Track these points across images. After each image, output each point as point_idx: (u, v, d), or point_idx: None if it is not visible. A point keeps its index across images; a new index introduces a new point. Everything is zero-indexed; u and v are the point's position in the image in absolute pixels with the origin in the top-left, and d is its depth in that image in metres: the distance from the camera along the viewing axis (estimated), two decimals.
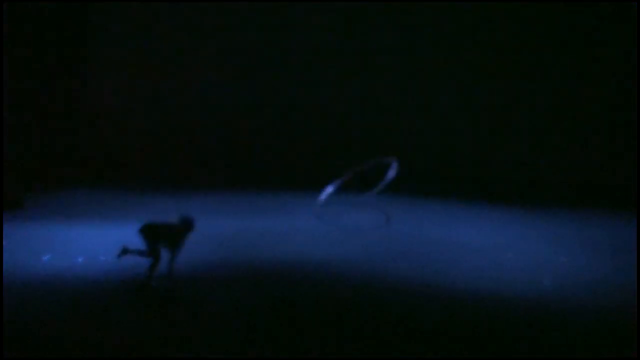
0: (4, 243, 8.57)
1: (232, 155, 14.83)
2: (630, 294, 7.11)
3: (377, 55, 14.79)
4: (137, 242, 8.96)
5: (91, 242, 8.95)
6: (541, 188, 13.45)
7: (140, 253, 7.46)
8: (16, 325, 5.99)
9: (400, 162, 11.93)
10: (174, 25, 14.86)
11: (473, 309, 6.65)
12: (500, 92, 14.40)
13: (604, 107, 13.79)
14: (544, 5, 13.91)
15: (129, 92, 14.89)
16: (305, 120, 14.89)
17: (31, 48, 13.70)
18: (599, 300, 6.99)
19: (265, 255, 8.44)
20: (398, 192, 12.15)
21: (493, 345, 5.78)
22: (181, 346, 5.65)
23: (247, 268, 7.88)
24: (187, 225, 7.68)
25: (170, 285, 7.30)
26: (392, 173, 11.18)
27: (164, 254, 7.40)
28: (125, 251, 7.54)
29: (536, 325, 6.25)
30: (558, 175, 13.79)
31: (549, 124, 14.18)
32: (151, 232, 7.51)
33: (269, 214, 11.10)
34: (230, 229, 9.93)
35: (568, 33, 13.94)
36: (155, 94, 14.92)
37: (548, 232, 10.08)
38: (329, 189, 11.21)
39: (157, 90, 14.91)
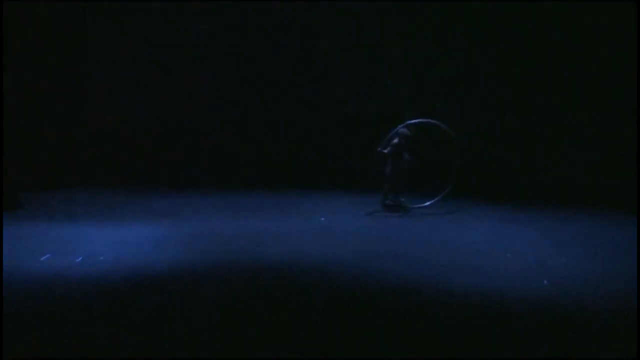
0: (2, 243, 8.57)
1: (231, 157, 14.83)
2: (630, 295, 7.10)
3: (382, 52, 14.79)
4: (135, 242, 9.00)
5: (90, 242, 8.95)
6: (541, 188, 13.45)
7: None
8: (15, 325, 5.98)
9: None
10: (168, 31, 14.86)
11: (472, 309, 6.64)
12: (500, 92, 14.40)
13: (603, 107, 13.79)
14: (550, 7, 13.90)
15: (128, 93, 14.89)
16: (306, 121, 14.89)
17: (31, 50, 13.74)
18: (598, 300, 6.98)
19: (265, 256, 8.44)
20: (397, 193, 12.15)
21: (492, 346, 5.78)
22: (181, 346, 5.64)
23: (246, 268, 7.88)
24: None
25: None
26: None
27: None
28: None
29: (535, 325, 6.24)
30: (557, 176, 13.79)
31: (548, 124, 14.17)
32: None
33: (268, 215, 11.11)
34: (229, 230, 9.93)
35: (567, 33, 13.93)
36: (153, 95, 14.92)
37: (547, 233, 10.08)
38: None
39: (156, 91, 14.91)
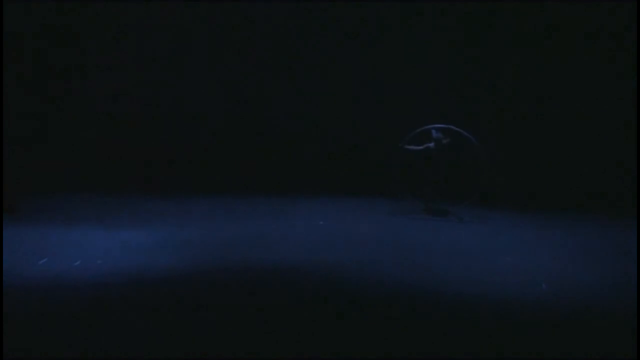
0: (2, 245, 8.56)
1: (229, 159, 14.78)
2: (629, 299, 7.09)
3: (369, 56, 14.73)
4: (134, 245, 8.99)
5: (88, 245, 8.94)
6: (539, 191, 13.43)
7: None
8: (13, 328, 5.97)
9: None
10: (166, 30, 14.83)
11: (470, 312, 6.64)
12: (493, 94, 14.35)
13: (602, 109, 13.76)
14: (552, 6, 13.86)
15: (125, 94, 14.85)
16: (305, 123, 14.85)
17: (29, 51, 13.74)
18: (597, 304, 6.98)
19: (262, 260, 8.43)
20: (395, 195, 12.13)
21: (489, 348, 5.77)
22: (179, 350, 5.64)
23: (244, 272, 7.87)
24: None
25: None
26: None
27: None
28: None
29: (533, 328, 6.24)
30: (557, 178, 13.76)
31: (546, 126, 14.14)
32: None
33: (266, 218, 11.10)
34: (227, 233, 9.92)
35: (565, 33, 13.90)
36: (151, 96, 14.89)
37: (546, 236, 10.08)
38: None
39: (153, 93, 14.87)
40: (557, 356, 5.68)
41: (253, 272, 7.83)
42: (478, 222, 11.05)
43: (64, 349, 5.63)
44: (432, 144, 11.37)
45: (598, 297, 7.16)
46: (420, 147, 11.46)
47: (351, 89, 14.69)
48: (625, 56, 13.37)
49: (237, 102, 14.97)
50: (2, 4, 12.29)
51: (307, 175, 14.18)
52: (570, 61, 13.87)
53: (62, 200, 12.31)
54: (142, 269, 7.91)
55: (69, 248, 8.81)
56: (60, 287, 7.21)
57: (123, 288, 7.21)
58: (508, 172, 13.74)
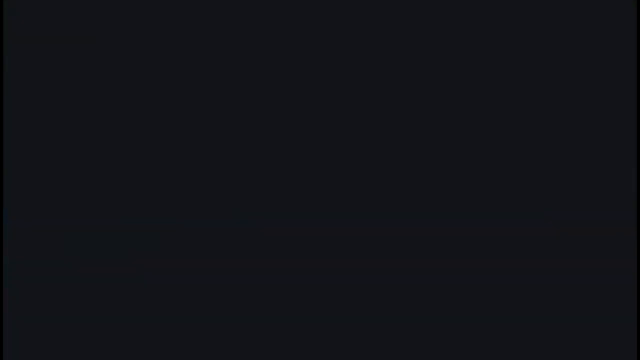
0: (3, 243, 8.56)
1: (227, 157, 14.81)
2: (629, 300, 7.08)
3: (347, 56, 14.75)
4: (135, 243, 8.95)
5: (87, 244, 8.93)
6: (539, 189, 13.45)
7: None
8: (13, 328, 5.98)
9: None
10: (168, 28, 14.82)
11: (468, 310, 6.63)
12: (493, 90, 14.38)
13: (601, 106, 13.78)
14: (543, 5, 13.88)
15: (123, 93, 14.88)
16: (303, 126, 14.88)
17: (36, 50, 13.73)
18: (596, 305, 6.96)
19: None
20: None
21: (487, 348, 5.77)
22: (179, 349, 5.64)
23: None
24: None
25: None
26: None
27: None
28: None
29: (532, 329, 6.23)
30: (557, 176, 13.79)
31: (545, 125, 14.17)
32: None
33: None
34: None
35: (564, 32, 13.93)
36: (150, 93, 14.91)
37: (545, 234, 10.06)
38: None
39: (150, 89, 14.89)
40: (557, 356, 5.68)
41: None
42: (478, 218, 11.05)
43: (63, 349, 5.64)
44: None
45: (597, 299, 7.14)
46: None
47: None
48: (624, 53, 13.39)
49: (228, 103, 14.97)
50: (2, 4, 12.32)
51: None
52: (570, 56, 13.89)
53: (60, 200, 12.32)
54: (142, 269, 7.91)
55: (68, 247, 8.80)
56: (59, 287, 7.21)
57: (122, 289, 7.20)
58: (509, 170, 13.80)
